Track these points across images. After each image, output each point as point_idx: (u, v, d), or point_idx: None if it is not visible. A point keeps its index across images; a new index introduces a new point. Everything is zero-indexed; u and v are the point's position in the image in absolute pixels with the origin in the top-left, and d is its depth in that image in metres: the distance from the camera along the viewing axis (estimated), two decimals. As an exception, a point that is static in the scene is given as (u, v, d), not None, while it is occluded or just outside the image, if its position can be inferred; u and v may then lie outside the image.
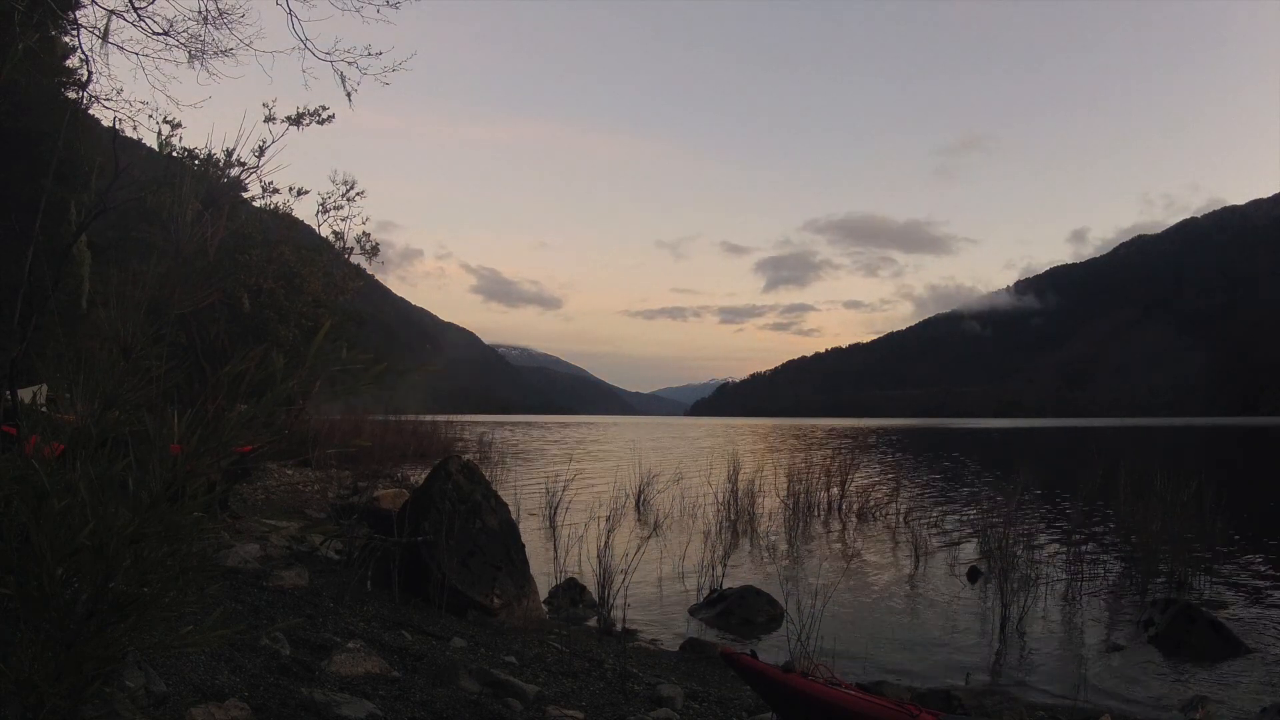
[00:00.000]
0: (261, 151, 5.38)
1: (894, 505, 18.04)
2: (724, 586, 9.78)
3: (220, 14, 6.75)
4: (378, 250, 20.74)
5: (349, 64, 7.02)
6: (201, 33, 6.75)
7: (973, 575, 11.37)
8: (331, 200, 19.78)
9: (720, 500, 15.81)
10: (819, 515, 17.28)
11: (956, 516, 17.12)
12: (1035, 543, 11.81)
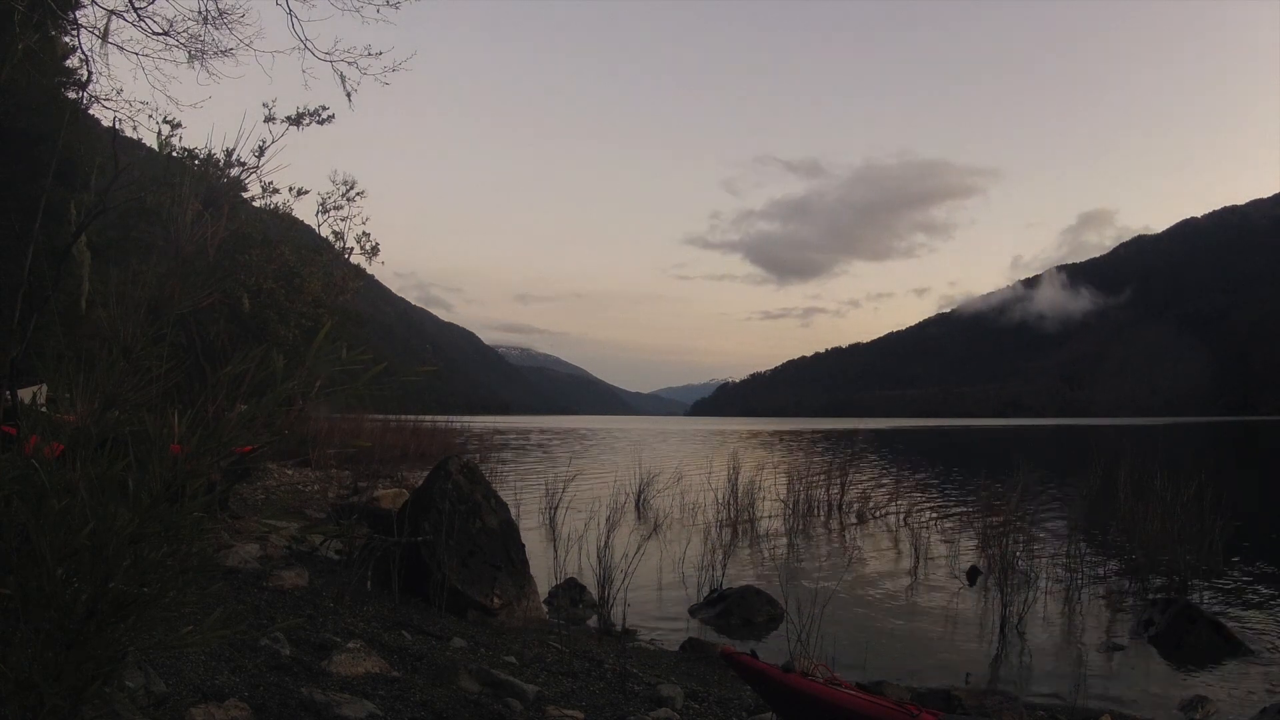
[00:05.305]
0: (261, 151, 5.38)
1: (894, 505, 18.04)
2: (724, 586, 9.78)
3: (220, 14, 6.75)
4: (378, 250, 20.73)
5: (349, 64, 7.02)
6: (201, 33, 6.75)
7: (972, 575, 11.37)
8: (331, 200, 19.78)
9: (720, 500, 15.80)
10: (819, 515, 17.28)
11: (956, 516, 17.12)
12: (1035, 543, 11.82)
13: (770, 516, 16.45)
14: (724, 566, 10.47)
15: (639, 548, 9.17)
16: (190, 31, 6.69)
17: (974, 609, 9.72)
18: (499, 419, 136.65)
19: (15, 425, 2.61)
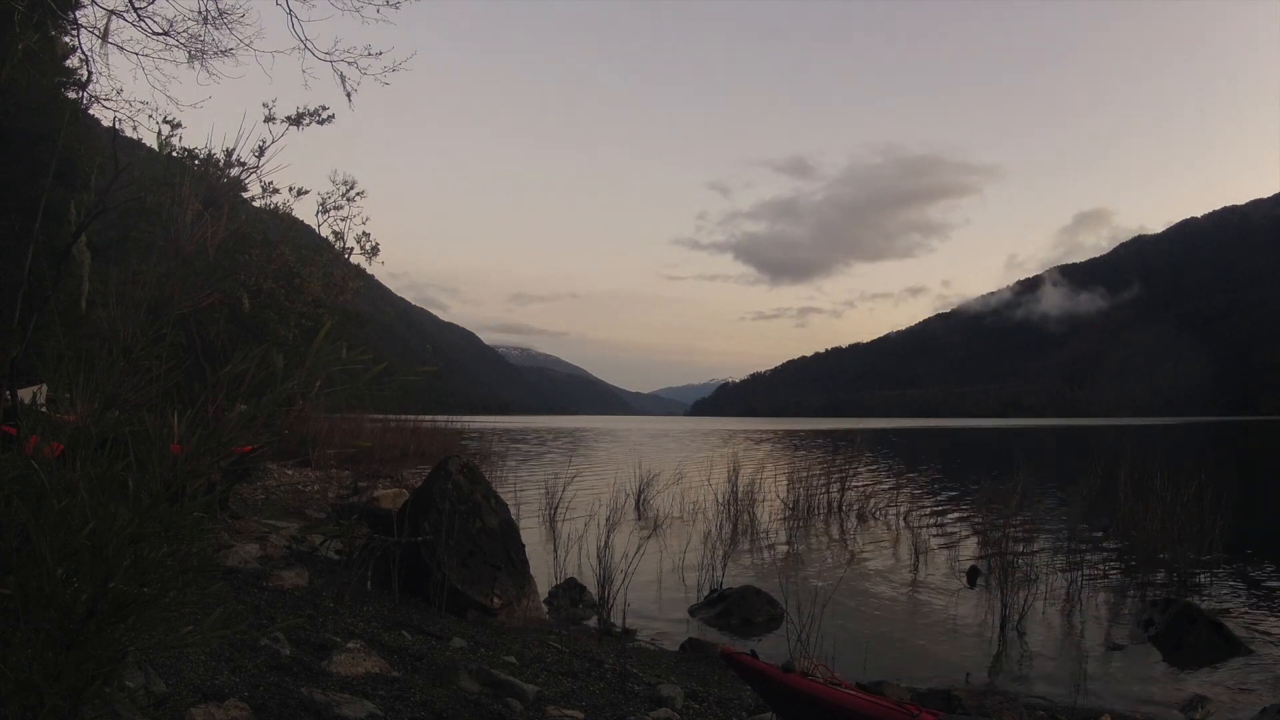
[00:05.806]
0: (261, 151, 5.39)
1: (894, 505, 18.05)
2: (724, 586, 9.78)
3: (220, 14, 6.75)
4: (378, 250, 20.72)
5: (349, 64, 7.02)
6: (201, 33, 6.75)
7: (972, 575, 11.36)
8: (331, 200, 19.78)
9: (720, 500, 15.80)
10: (819, 515, 17.28)
11: (956, 516, 17.13)
12: (1035, 543, 11.81)
13: (770, 516, 16.44)
14: (724, 566, 10.47)
15: (639, 548, 9.16)
16: (190, 31, 6.70)
17: (974, 609, 9.71)
18: (499, 419, 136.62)
19: (15, 425, 2.61)
